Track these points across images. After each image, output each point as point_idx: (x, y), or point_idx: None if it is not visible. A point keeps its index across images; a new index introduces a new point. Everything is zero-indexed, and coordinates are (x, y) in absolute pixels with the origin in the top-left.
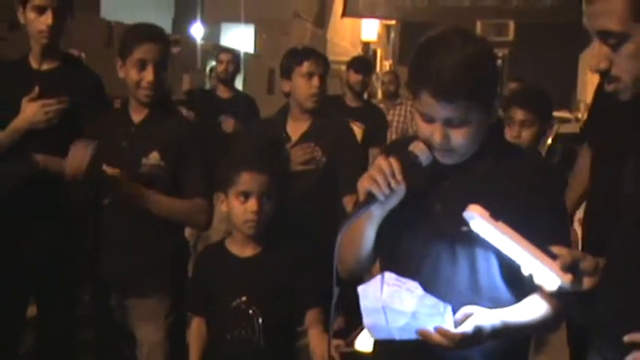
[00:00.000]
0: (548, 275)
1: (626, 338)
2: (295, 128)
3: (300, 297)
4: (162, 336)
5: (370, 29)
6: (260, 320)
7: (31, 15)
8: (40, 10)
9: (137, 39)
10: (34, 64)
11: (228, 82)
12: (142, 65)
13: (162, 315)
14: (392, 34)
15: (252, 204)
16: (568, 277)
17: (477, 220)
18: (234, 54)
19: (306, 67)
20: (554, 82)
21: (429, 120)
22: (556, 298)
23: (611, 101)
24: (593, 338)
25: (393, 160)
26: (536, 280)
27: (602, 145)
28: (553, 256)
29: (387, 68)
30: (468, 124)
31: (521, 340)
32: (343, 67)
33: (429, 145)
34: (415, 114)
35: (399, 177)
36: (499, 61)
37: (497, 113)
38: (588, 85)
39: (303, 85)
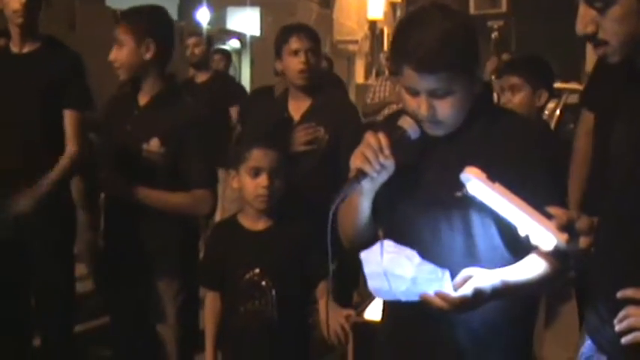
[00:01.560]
0: (544, 235)
1: (619, 294)
2: (296, 108)
3: (311, 269)
4: (172, 317)
5: (376, 8)
6: (273, 292)
7: None
8: None
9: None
10: (14, 48)
11: (201, 65)
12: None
13: (171, 296)
14: (398, 12)
15: (263, 179)
16: (564, 237)
17: (474, 182)
18: (200, 36)
19: (291, 44)
20: (560, 53)
21: (414, 93)
22: (554, 256)
23: (609, 65)
24: (589, 297)
25: (381, 136)
26: (533, 241)
27: (600, 109)
28: (549, 217)
29: None
30: (452, 94)
31: (527, 310)
32: (350, 47)
33: (417, 119)
34: (401, 89)
35: (387, 152)
36: (494, 34)
37: (481, 82)
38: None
39: (291, 63)
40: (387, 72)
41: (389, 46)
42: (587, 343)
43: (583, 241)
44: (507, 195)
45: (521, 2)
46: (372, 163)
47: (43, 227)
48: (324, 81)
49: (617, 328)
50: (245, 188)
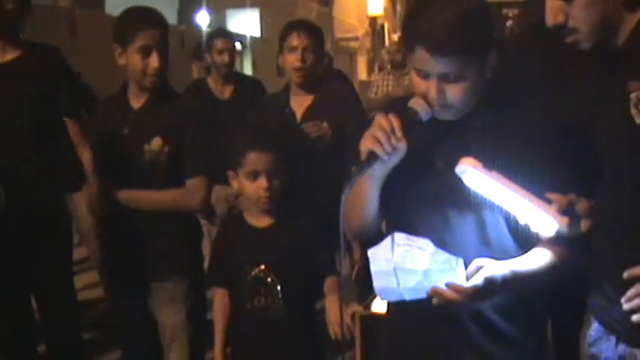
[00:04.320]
0: (545, 221)
1: (626, 274)
2: (298, 103)
3: (317, 266)
4: (183, 318)
5: (376, 3)
6: (279, 287)
7: None
8: None
9: (139, 25)
10: None
11: (228, 76)
12: (146, 52)
13: (181, 297)
14: (398, 7)
15: (262, 182)
16: (565, 220)
17: (470, 172)
18: (230, 39)
19: (290, 40)
20: None
21: (425, 76)
22: (563, 245)
23: None
24: (593, 280)
25: (392, 117)
26: (534, 228)
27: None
28: (549, 202)
29: (396, 41)
30: (464, 79)
31: (539, 298)
32: (351, 44)
33: (427, 102)
34: (411, 70)
35: (399, 133)
36: (509, 22)
37: (493, 67)
38: None
39: (289, 60)
40: (389, 67)
41: (401, 24)
42: (595, 326)
43: (584, 224)
44: (505, 182)
45: None
46: (384, 145)
47: (42, 236)
48: (329, 77)
49: (627, 306)
50: (246, 191)
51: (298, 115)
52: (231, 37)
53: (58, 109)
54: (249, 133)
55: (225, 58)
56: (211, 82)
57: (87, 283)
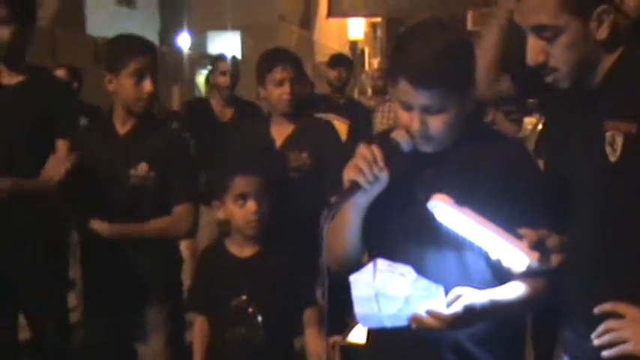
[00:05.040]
0: (516, 256)
1: (596, 310)
2: (279, 132)
3: (297, 297)
4: (162, 345)
5: (357, 28)
6: (259, 318)
7: None
8: None
9: (132, 51)
10: (2, 80)
11: (230, 98)
12: (139, 77)
13: (161, 324)
14: (379, 32)
15: (251, 205)
16: (535, 255)
17: (441, 207)
18: (235, 62)
19: (275, 74)
20: None
21: (408, 108)
22: (539, 277)
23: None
24: (564, 314)
25: (374, 148)
26: (505, 263)
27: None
28: (520, 237)
29: (376, 66)
30: (446, 111)
31: (516, 328)
32: None
33: (409, 133)
34: (394, 103)
35: (381, 163)
36: None
37: (474, 101)
38: None
39: (275, 92)
40: (369, 92)
41: (387, 58)
42: None
43: (555, 259)
44: (476, 218)
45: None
46: (366, 175)
47: (34, 250)
48: (311, 103)
49: (597, 342)
50: (234, 217)
51: (278, 143)
52: (234, 60)
53: (53, 133)
54: (235, 158)
55: (228, 80)
56: (214, 104)
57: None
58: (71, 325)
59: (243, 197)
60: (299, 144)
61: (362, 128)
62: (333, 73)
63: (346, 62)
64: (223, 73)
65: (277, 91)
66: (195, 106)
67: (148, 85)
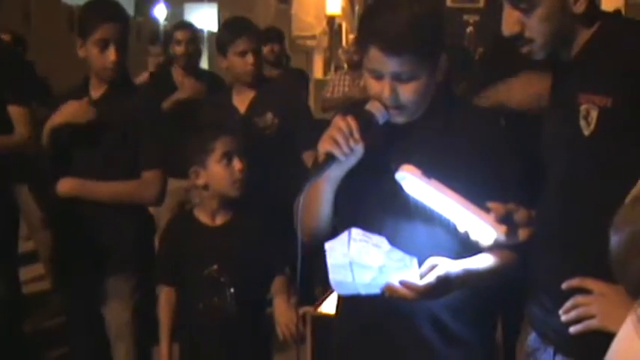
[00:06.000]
0: (483, 229)
1: (564, 285)
2: (241, 100)
3: (268, 265)
4: (129, 315)
5: (334, 3)
6: (232, 288)
7: None
8: None
9: (98, 18)
10: None
11: (189, 68)
12: (103, 45)
13: (128, 293)
14: (356, 7)
15: (237, 163)
16: (502, 229)
17: (409, 178)
18: (193, 31)
19: (238, 45)
20: None
21: (378, 76)
22: (509, 249)
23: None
24: (531, 289)
25: (350, 119)
26: (472, 236)
27: None
28: (487, 210)
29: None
30: (416, 79)
31: (489, 300)
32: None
33: (383, 104)
34: (365, 73)
35: (357, 136)
36: (469, 28)
37: (444, 70)
38: None
39: (238, 63)
40: (345, 66)
41: (357, 26)
42: (533, 336)
43: (522, 234)
44: (444, 190)
45: None
46: (342, 147)
47: None
48: (288, 75)
49: (564, 317)
50: (218, 178)
51: (242, 110)
52: (190, 28)
53: (4, 98)
54: (213, 122)
55: (183, 48)
56: (174, 74)
57: (35, 276)
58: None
59: (227, 156)
60: (262, 107)
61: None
62: (265, 49)
63: (276, 37)
64: (178, 43)
65: (240, 62)
66: (158, 76)
67: (111, 54)
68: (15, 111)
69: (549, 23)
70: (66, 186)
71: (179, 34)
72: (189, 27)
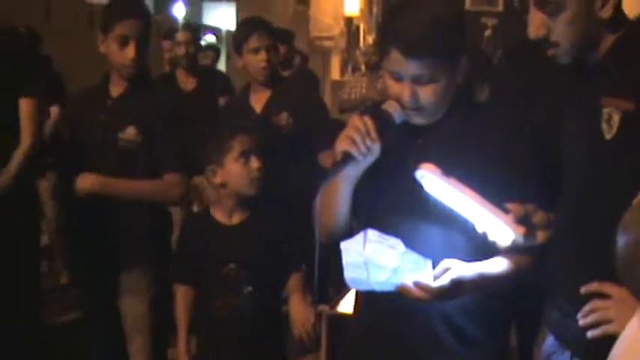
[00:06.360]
0: (502, 230)
1: (583, 289)
2: (257, 100)
3: (285, 263)
4: (145, 308)
5: (352, 4)
6: (249, 287)
7: None
8: None
9: (119, 15)
10: None
11: (190, 68)
12: (123, 41)
13: (145, 288)
14: (374, 9)
15: (254, 161)
16: (521, 230)
17: (428, 177)
18: (192, 31)
19: (251, 42)
20: None
21: (398, 78)
22: (523, 254)
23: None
24: (550, 293)
25: (367, 119)
26: (491, 236)
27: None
28: (506, 211)
29: (371, 42)
30: (436, 82)
31: (503, 303)
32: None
33: (400, 104)
34: (385, 74)
35: (374, 135)
36: (487, 31)
37: (464, 73)
38: None
39: (252, 60)
40: (363, 68)
41: (378, 28)
42: (550, 340)
43: (541, 236)
44: (464, 189)
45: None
46: (359, 146)
47: (6, 220)
48: (298, 76)
49: (582, 322)
50: (235, 177)
51: (258, 110)
52: (190, 29)
53: (18, 91)
54: (231, 122)
55: (182, 49)
56: (178, 74)
57: (46, 272)
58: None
59: (245, 155)
60: (278, 107)
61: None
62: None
63: (285, 37)
64: (179, 44)
65: (254, 59)
66: (163, 77)
67: (130, 51)
68: (24, 103)
69: (575, 27)
70: (88, 182)
71: (179, 36)
72: (189, 28)
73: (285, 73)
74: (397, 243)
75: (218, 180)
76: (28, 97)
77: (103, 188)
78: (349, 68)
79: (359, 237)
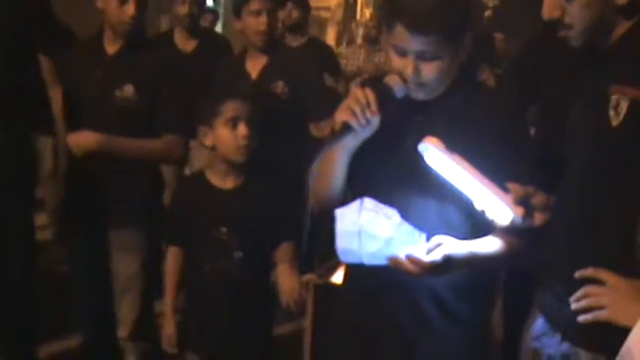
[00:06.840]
0: (500, 209)
1: (578, 274)
2: (253, 65)
3: (274, 231)
4: (137, 268)
5: None
6: (240, 252)
7: None
8: None
9: None
10: None
11: (191, 29)
12: None
13: (137, 247)
14: None
15: (242, 129)
16: (520, 211)
17: (432, 151)
18: None
19: (252, 4)
20: None
21: (402, 54)
22: (516, 236)
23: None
24: (544, 276)
25: (368, 91)
26: (489, 215)
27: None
28: (506, 191)
29: (367, 16)
30: (440, 58)
31: (492, 282)
32: (322, 14)
33: (402, 79)
34: (388, 48)
35: (374, 108)
36: (488, 11)
37: (467, 51)
38: None
39: (251, 23)
40: (359, 40)
41: (384, 3)
42: (540, 321)
43: (539, 218)
44: (466, 166)
45: None
46: (359, 117)
47: (4, 170)
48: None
49: (574, 306)
50: (223, 142)
51: (253, 76)
52: None
53: (34, 46)
54: (226, 85)
55: (186, 8)
56: (177, 35)
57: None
58: (39, 243)
59: (234, 121)
60: (274, 75)
61: None
62: (283, 13)
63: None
64: (182, 2)
65: (253, 22)
66: (161, 37)
67: (130, 8)
68: (44, 60)
69: (590, 11)
70: (90, 139)
71: None
72: None
73: (295, 43)
74: (393, 213)
75: (209, 142)
76: (48, 56)
77: (102, 146)
78: (344, 40)
79: (355, 205)
